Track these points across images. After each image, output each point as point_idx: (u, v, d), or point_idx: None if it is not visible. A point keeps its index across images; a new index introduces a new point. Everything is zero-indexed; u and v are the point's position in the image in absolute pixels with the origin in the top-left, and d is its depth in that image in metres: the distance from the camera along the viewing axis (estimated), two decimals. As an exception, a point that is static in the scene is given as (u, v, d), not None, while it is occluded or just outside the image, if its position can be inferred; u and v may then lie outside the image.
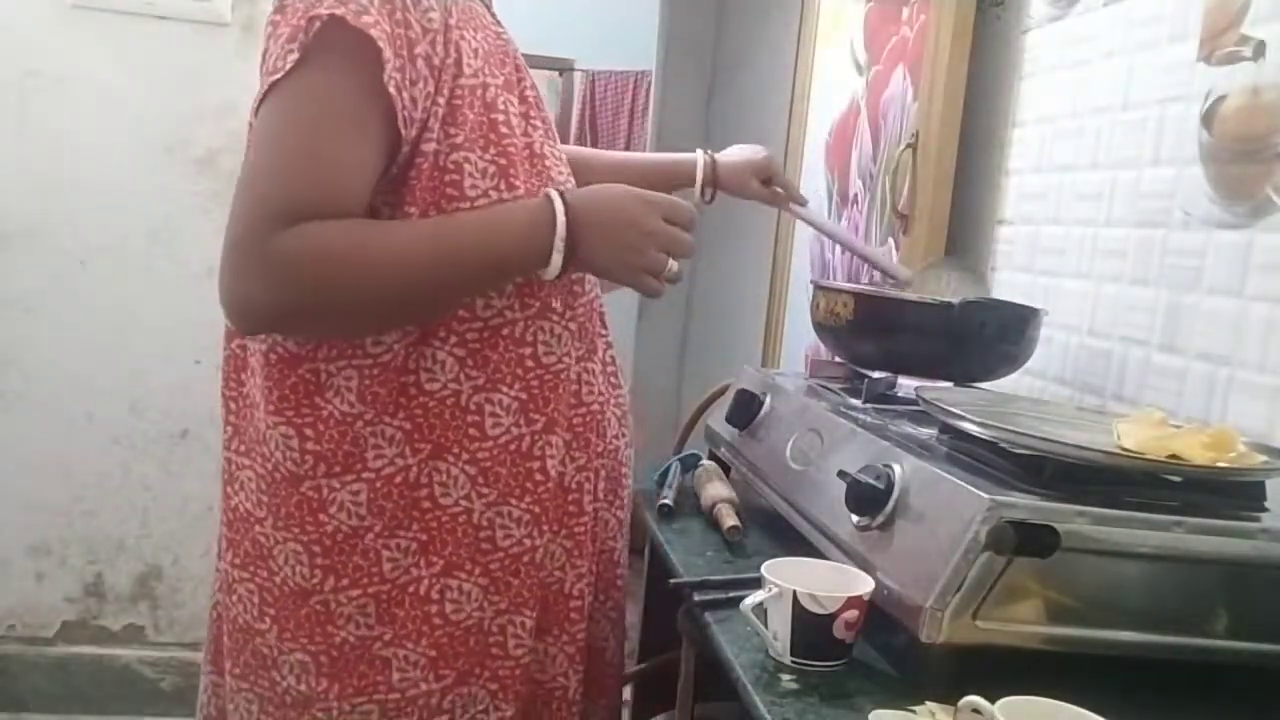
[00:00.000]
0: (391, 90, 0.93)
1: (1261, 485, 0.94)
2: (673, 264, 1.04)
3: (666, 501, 1.36)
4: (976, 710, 0.74)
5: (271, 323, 0.98)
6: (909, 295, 1.36)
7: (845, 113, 2.10)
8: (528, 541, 1.06)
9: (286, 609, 1.03)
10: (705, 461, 1.47)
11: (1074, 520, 0.85)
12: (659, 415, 3.22)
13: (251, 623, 1.06)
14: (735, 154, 1.51)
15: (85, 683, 2.58)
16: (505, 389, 1.03)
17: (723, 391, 1.64)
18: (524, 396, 1.04)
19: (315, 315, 0.97)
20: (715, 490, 1.34)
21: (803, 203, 1.56)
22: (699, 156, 1.49)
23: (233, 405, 1.09)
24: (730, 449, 1.44)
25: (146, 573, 2.61)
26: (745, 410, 1.40)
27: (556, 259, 0.99)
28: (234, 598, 1.07)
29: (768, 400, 1.39)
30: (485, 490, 1.03)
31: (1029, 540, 0.83)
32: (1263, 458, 0.93)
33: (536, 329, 1.05)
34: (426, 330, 1.01)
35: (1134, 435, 0.93)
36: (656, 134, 3.38)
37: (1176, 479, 0.92)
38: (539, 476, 1.06)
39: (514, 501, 1.05)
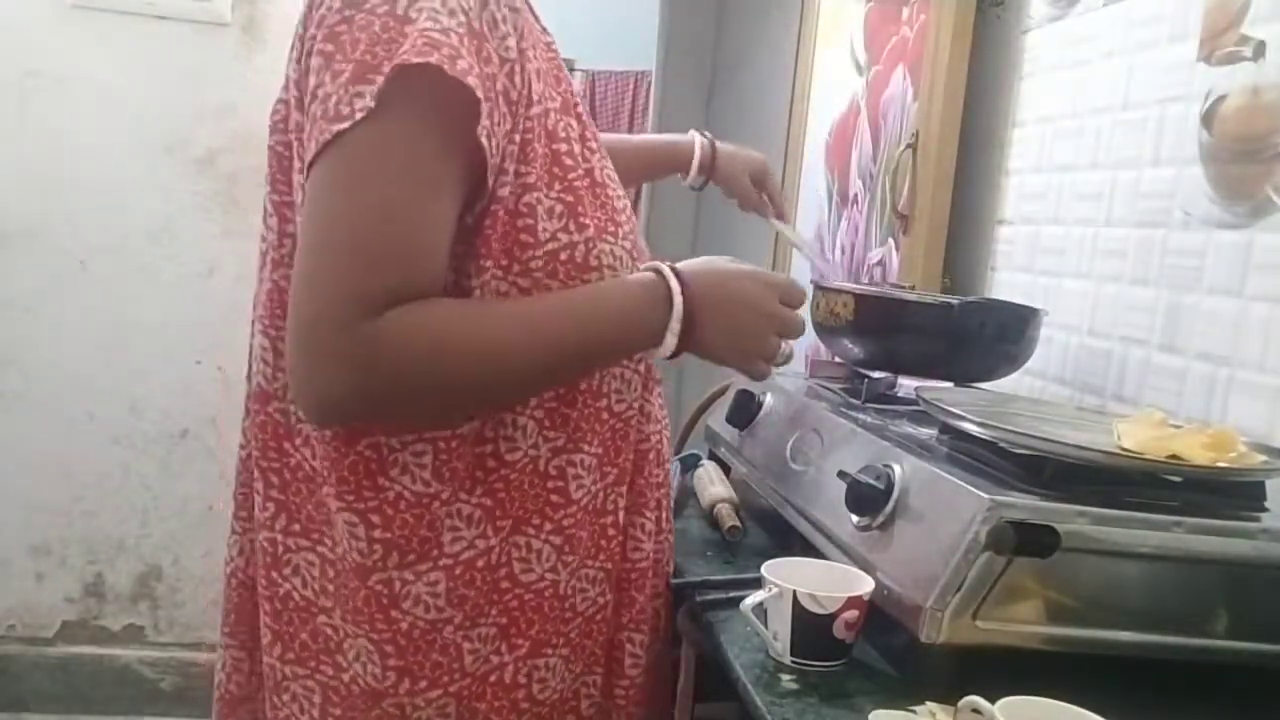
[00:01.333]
0: (484, 140, 0.82)
1: (1261, 485, 0.94)
2: (786, 345, 0.98)
3: (666, 501, 1.36)
4: (976, 710, 0.74)
5: (353, 416, 0.86)
6: (909, 295, 1.36)
7: (845, 113, 2.10)
8: (600, 600, 0.99)
9: (355, 710, 0.93)
10: (705, 461, 1.47)
11: (1074, 520, 0.85)
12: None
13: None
14: (735, 147, 1.50)
15: (85, 683, 2.59)
16: (586, 448, 0.95)
17: (723, 391, 1.64)
18: (600, 452, 0.96)
19: (406, 408, 0.87)
20: (715, 490, 1.34)
21: (784, 218, 1.54)
22: (696, 139, 1.46)
23: (275, 479, 0.94)
24: (730, 449, 1.44)
25: (146, 573, 2.61)
26: (745, 410, 1.40)
27: (670, 341, 0.91)
28: (285, 696, 0.95)
29: (768, 400, 1.39)
30: (570, 558, 0.95)
31: (1029, 540, 0.83)
32: (1262, 457, 0.93)
33: (611, 377, 0.97)
34: None
35: (1134, 435, 0.93)
36: (656, 134, 3.37)
37: (1176, 479, 0.92)
38: (611, 531, 0.99)
39: (590, 563, 0.98)
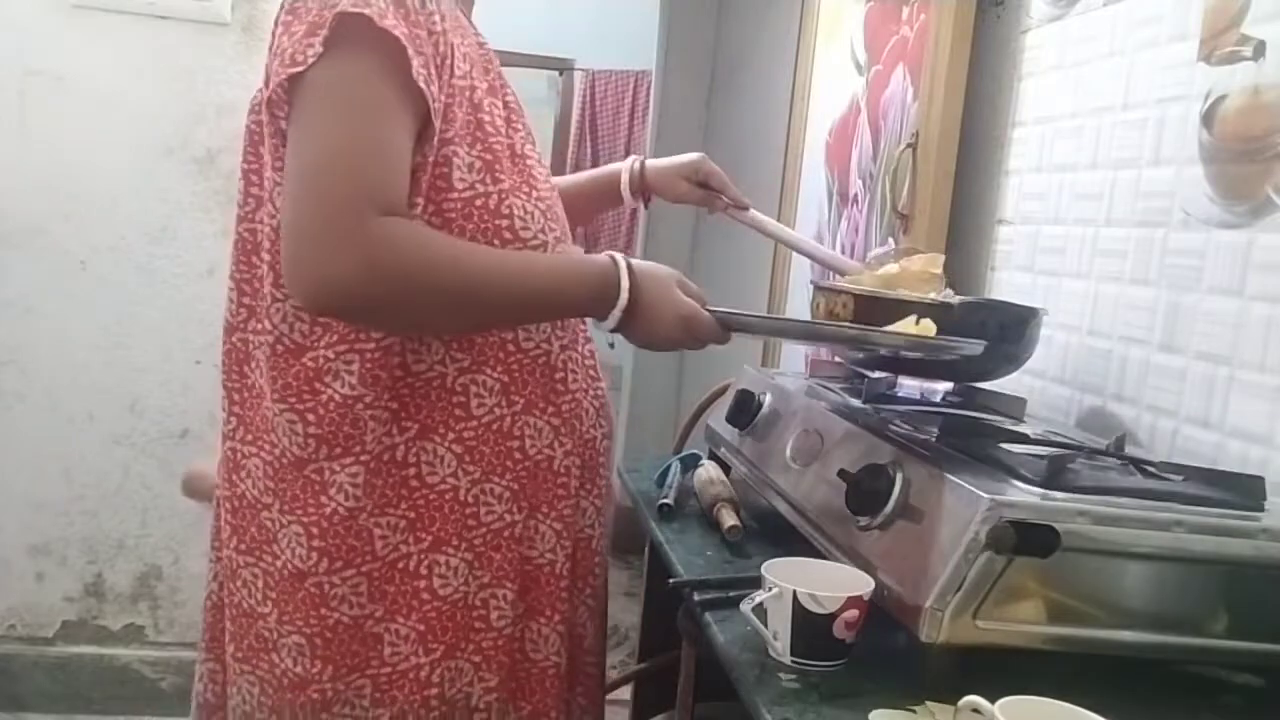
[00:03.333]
0: (421, 85, 0.96)
1: (1261, 482, 0.95)
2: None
3: (666, 501, 1.36)
4: (976, 710, 0.74)
5: (358, 304, 0.97)
6: (909, 295, 1.35)
7: (845, 113, 2.10)
8: (508, 517, 1.10)
9: (287, 592, 1.06)
10: (705, 461, 1.47)
11: (1074, 520, 0.85)
12: (659, 415, 3.22)
13: (255, 607, 1.08)
14: (667, 158, 1.52)
15: (85, 683, 2.58)
16: (489, 371, 1.08)
17: (723, 391, 1.64)
18: (505, 379, 1.09)
19: (401, 307, 0.99)
20: (715, 490, 1.34)
21: (744, 206, 1.55)
22: (625, 164, 1.50)
23: (235, 396, 1.12)
24: (730, 449, 1.44)
25: (146, 573, 2.61)
26: (745, 410, 1.40)
27: (617, 314, 1.06)
28: (238, 583, 1.10)
29: (768, 400, 1.39)
30: (470, 468, 1.07)
31: (1029, 540, 0.83)
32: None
33: None
34: None
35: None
36: (656, 134, 3.38)
37: (1177, 479, 0.92)
38: (518, 455, 1.10)
39: (495, 479, 1.09)
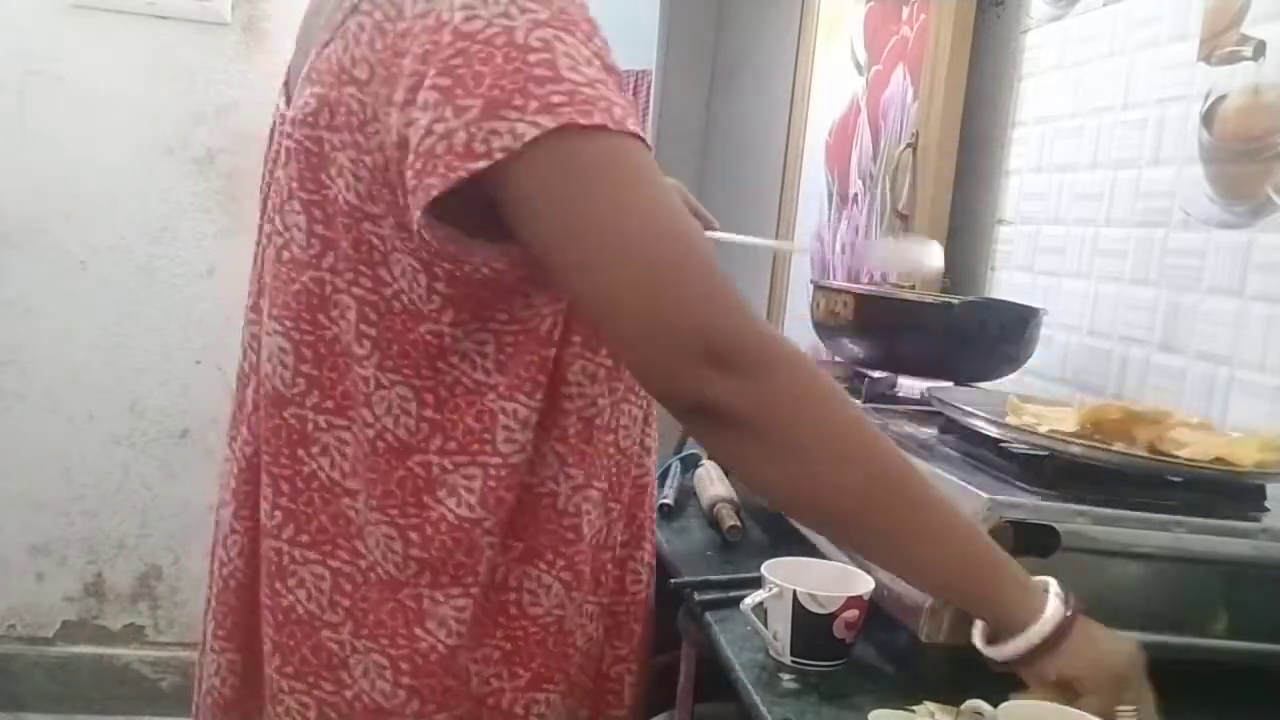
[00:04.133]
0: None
1: (1262, 487, 0.94)
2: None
3: (666, 501, 1.36)
4: (979, 714, 0.74)
5: (742, 422, 0.75)
6: (909, 295, 1.36)
7: (845, 113, 2.10)
8: (595, 635, 0.99)
9: None
10: (705, 461, 1.46)
11: (1074, 520, 0.85)
12: (659, 415, 3.22)
13: None
14: None
15: (85, 683, 2.58)
16: (596, 484, 0.93)
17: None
18: (606, 488, 0.95)
19: (783, 440, 0.76)
20: (715, 490, 1.34)
21: (712, 226, 1.50)
22: None
23: (285, 486, 0.91)
24: (730, 449, 1.43)
25: (146, 572, 2.61)
26: (745, 410, 1.40)
27: (1049, 619, 0.76)
28: (280, 709, 0.93)
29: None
30: (575, 595, 0.94)
31: (1029, 540, 0.83)
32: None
33: (619, 413, 0.95)
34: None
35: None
36: (656, 134, 3.38)
37: (1177, 479, 0.92)
38: (610, 566, 0.98)
39: (590, 600, 0.97)
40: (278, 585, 0.92)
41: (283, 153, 0.89)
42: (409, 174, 0.77)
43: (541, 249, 0.78)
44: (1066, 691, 0.75)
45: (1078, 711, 0.74)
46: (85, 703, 2.58)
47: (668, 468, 1.47)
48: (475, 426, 0.85)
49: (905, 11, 1.81)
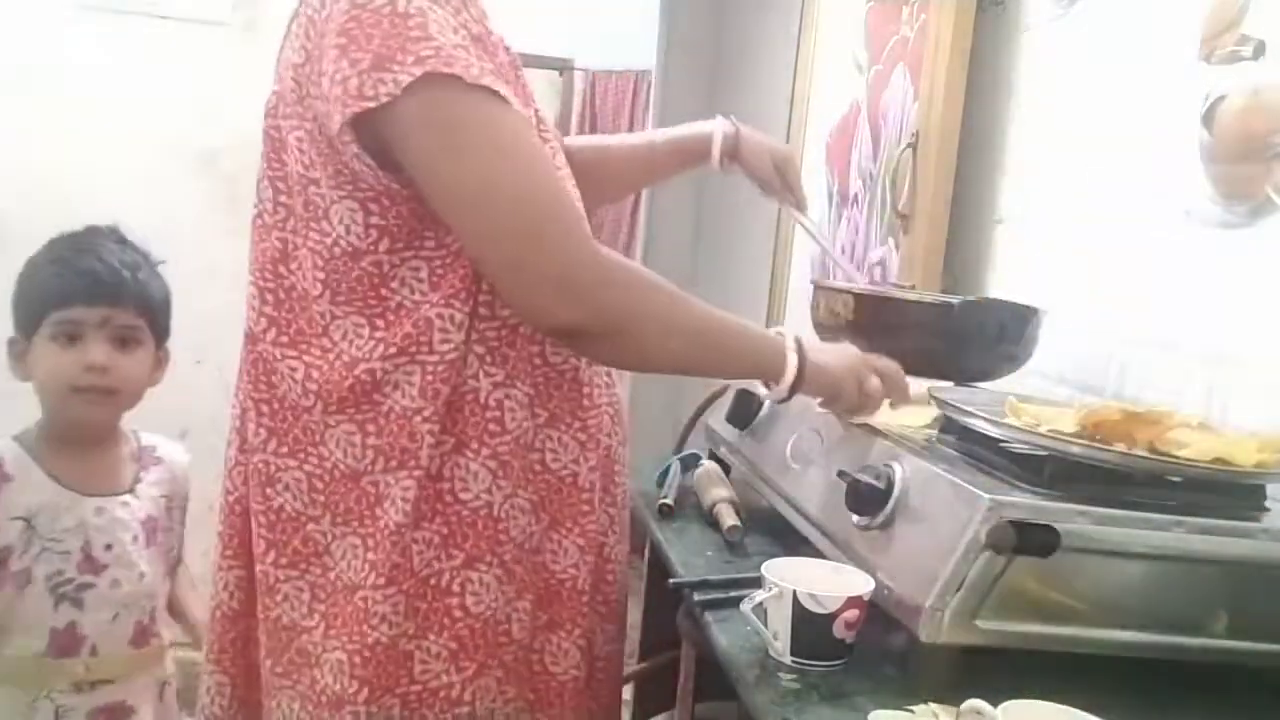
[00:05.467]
0: (528, 112, 1.03)
1: (1262, 487, 0.94)
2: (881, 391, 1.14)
3: (666, 501, 1.36)
4: (979, 713, 0.74)
5: (601, 335, 1.02)
6: (909, 295, 1.36)
7: (845, 113, 2.10)
8: (529, 529, 1.08)
9: (336, 605, 1.04)
10: (705, 461, 1.47)
11: (1074, 520, 0.85)
12: (659, 415, 3.22)
13: (299, 621, 1.06)
14: (760, 134, 1.49)
15: (85, 683, 2.58)
16: (520, 385, 1.06)
17: (723, 391, 1.64)
18: (532, 392, 1.07)
19: (635, 331, 1.03)
20: (715, 490, 1.34)
21: (803, 208, 1.54)
22: (718, 124, 1.45)
23: (265, 408, 1.08)
24: (730, 449, 1.44)
25: (147, 573, 2.60)
26: (745, 410, 1.40)
27: (793, 357, 1.08)
28: (278, 598, 1.07)
29: (768, 400, 1.39)
30: (503, 483, 1.06)
31: (1029, 540, 0.83)
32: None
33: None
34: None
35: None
36: (656, 134, 3.38)
37: (1177, 479, 0.92)
38: (538, 468, 1.09)
39: (521, 493, 1.07)
40: (268, 491, 1.08)
41: (262, 142, 1.08)
42: (329, 120, 0.97)
43: (421, 187, 0.98)
44: (828, 397, 1.13)
45: (1078, 711, 0.74)
46: (85, 703, 2.57)
47: (668, 468, 1.47)
48: (413, 332, 1.01)
49: (905, 11, 1.81)
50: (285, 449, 1.07)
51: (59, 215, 2.47)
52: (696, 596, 1.06)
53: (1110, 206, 1.33)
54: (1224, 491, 0.93)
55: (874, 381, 1.11)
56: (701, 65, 3.24)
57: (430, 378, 1.02)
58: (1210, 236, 1.16)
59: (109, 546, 1.41)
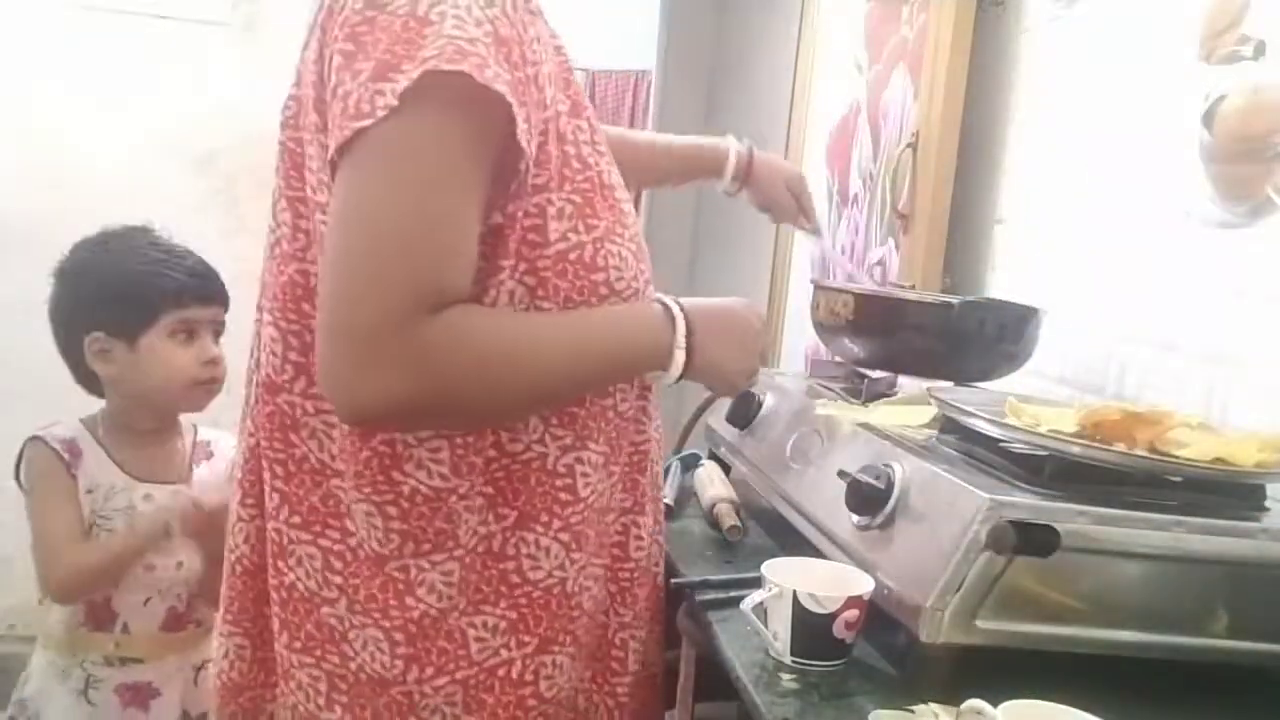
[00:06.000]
0: (523, 143, 0.84)
1: (1262, 487, 0.94)
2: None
3: (667, 501, 1.36)
4: (979, 713, 0.74)
5: (408, 419, 0.88)
6: (909, 295, 1.36)
7: (845, 113, 2.10)
8: (600, 595, 1.01)
9: (362, 698, 0.94)
10: (705, 461, 1.47)
11: (1074, 520, 0.85)
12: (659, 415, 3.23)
13: (316, 713, 0.96)
14: (773, 156, 1.49)
15: (85, 683, 2.58)
16: (593, 445, 0.97)
17: (722, 391, 1.64)
18: (606, 450, 0.98)
19: (456, 413, 0.88)
20: (715, 490, 1.34)
21: (818, 233, 1.54)
22: (732, 145, 1.45)
23: (279, 470, 0.95)
24: (730, 449, 1.44)
25: (146, 573, 2.61)
26: (745, 410, 1.40)
27: (680, 355, 0.96)
28: (292, 684, 0.97)
29: (768, 400, 1.39)
30: (576, 556, 0.96)
31: (1029, 540, 0.83)
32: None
33: None
34: None
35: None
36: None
37: (1177, 479, 0.92)
38: (614, 530, 1.02)
39: (595, 561, 1.00)
40: (280, 564, 0.96)
41: (277, 156, 0.94)
42: (328, 136, 0.84)
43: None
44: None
45: (1078, 711, 0.74)
46: (85, 703, 2.57)
47: (668, 468, 1.47)
48: None
49: (905, 11, 1.81)
50: (300, 519, 0.95)
51: (59, 215, 2.48)
52: (696, 596, 1.06)
53: (1110, 206, 1.33)
54: (1224, 491, 0.93)
55: (759, 370, 1.08)
56: (701, 65, 3.24)
57: (461, 451, 0.91)
58: (1210, 236, 1.16)
59: None
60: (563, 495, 0.95)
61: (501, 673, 0.95)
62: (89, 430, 1.57)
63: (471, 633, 0.93)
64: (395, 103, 0.78)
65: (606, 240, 0.93)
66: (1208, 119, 1.17)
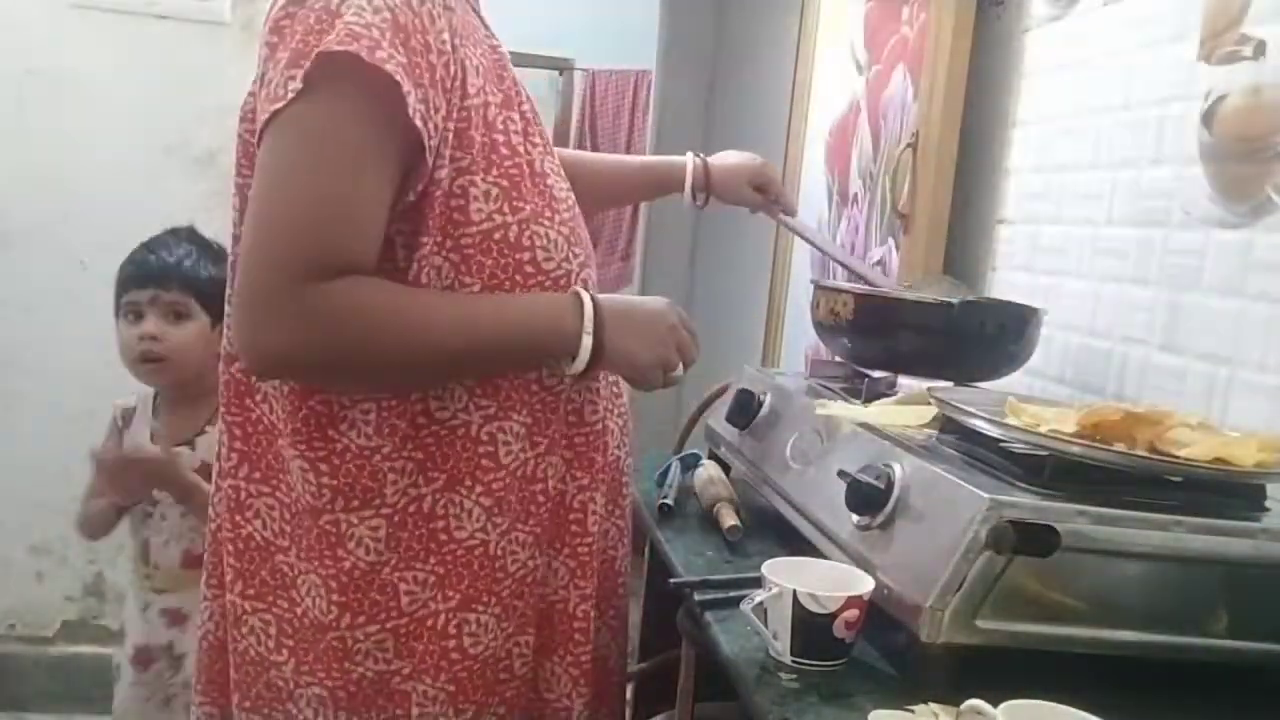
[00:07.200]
0: (418, 123, 0.90)
1: (1262, 487, 0.94)
2: (679, 365, 1.08)
3: (666, 501, 1.36)
4: (979, 713, 0.74)
5: (297, 374, 0.97)
6: (909, 295, 1.36)
7: (845, 113, 2.10)
8: (530, 563, 1.05)
9: (306, 641, 1.01)
10: (705, 461, 1.47)
11: (1074, 520, 0.85)
12: (659, 415, 3.23)
13: (266, 655, 1.03)
14: (730, 159, 1.51)
15: (85, 683, 2.58)
16: (515, 416, 1.02)
17: (723, 391, 1.64)
18: (529, 421, 1.03)
19: (343, 372, 0.97)
20: (715, 490, 1.34)
21: (792, 213, 1.55)
22: (689, 160, 1.48)
23: (238, 431, 1.05)
24: (730, 449, 1.44)
25: (146, 572, 2.61)
26: (745, 410, 1.40)
27: (587, 340, 0.99)
28: (244, 629, 1.04)
29: (768, 400, 1.39)
30: (499, 520, 1.02)
31: (1029, 540, 0.83)
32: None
33: None
34: None
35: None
36: (656, 134, 3.38)
37: (1177, 479, 0.92)
38: (540, 498, 1.05)
39: (520, 526, 1.04)
40: (237, 518, 1.04)
41: (236, 150, 1.03)
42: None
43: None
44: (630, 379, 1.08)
45: (1078, 711, 0.74)
46: (85, 703, 2.57)
47: (667, 468, 1.47)
48: None
49: (905, 11, 1.81)
50: (259, 474, 1.03)
51: (59, 215, 2.48)
52: (696, 596, 1.06)
53: (1110, 206, 1.33)
54: (1224, 491, 0.93)
55: (678, 366, 1.07)
56: (701, 65, 3.24)
57: (386, 413, 0.98)
58: (1210, 236, 1.16)
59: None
60: (485, 462, 1.00)
61: (429, 623, 1.01)
62: (153, 397, 1.77)
63: (403, 586, 1.00)
64: (300, 86, 0.88)
65: (533, 222, 1.00)
66: (1208, 119, 1.17)
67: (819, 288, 1.39)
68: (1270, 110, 1.09)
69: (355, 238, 0.92)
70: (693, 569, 1.14)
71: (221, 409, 1.06)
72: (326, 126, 0.90)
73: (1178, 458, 0.90)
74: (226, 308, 1.05)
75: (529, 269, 0.99)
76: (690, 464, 1.47)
